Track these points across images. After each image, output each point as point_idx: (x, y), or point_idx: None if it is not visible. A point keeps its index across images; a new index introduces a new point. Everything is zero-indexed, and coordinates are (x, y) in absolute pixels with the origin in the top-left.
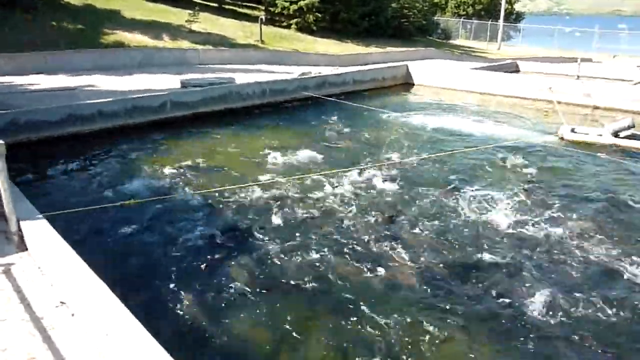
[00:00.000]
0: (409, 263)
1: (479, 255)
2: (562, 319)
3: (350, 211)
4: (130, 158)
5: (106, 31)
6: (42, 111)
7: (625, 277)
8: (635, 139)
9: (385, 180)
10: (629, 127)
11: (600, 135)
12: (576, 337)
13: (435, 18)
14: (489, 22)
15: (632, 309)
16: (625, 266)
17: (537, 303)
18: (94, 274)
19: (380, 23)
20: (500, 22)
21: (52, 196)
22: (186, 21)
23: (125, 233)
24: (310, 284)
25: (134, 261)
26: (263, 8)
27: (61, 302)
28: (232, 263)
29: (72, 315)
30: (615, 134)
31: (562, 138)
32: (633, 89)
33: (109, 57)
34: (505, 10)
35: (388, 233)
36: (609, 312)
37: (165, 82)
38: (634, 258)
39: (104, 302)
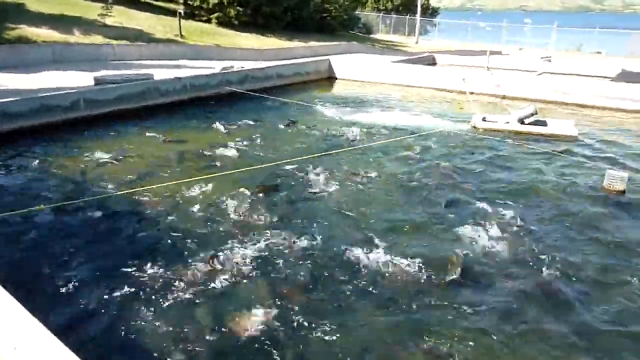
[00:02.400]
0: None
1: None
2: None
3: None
4: (38, 161)
5: (9, 25)
6: None
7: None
8: (537, 125)
9: (308, 173)
10: (532, 114)
11: (508, 122)
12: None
13: (356, 13)
14: (407, 17)
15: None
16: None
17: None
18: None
19: (303, 17)
20: (418, 17)
21: None
22: (99, 15)
23: (36, 240)
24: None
25: (44, 269)
26: (182, 1)
27: None
28: (143, 266)
29: None
30: (521, 121)
31: (474, 126)
32: (537, 79)
33: (14, 53)
34: (422, 5)
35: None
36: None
37: (78, 80)
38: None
39: (10, 314)
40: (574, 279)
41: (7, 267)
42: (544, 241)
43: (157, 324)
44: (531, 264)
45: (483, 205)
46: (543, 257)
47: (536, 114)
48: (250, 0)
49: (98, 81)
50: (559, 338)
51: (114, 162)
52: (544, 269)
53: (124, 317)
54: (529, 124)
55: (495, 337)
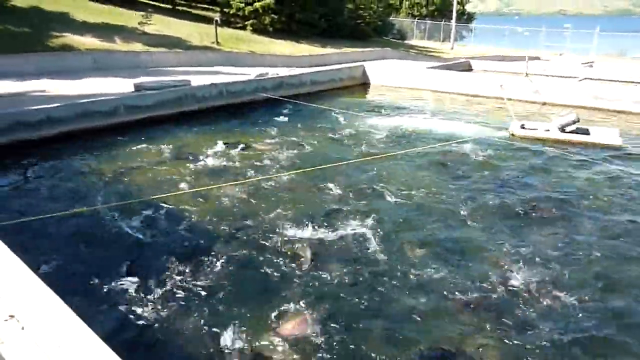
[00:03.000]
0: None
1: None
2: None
3: (306, 211)
4: (80, 164)
5: (54, 34)
6: None
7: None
8: (579, 133)
9: (340, 180)
10: (574, 122)
11: (548, 130)
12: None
13: (391, 19)
14: (442, 23)
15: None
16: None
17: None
18: (44, 284)
19: (337, 24)
20: (453, 22)
21: None
22: (139, 23)
23: (77, 241)
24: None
25: (86, 270)
26: (218, 9)
27: (10, 316)
28: (191, 270)
29: (22, 328)
30: (562, 129)
31: (512, 134)
32: (578, 85)
33: (59, 60)
34: (458, 11)
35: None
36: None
37: (118, 86)
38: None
39: (55, 313)
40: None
41: (51, 267)
42: (594, 257)
43: (204, 326)
44: (584, 280)
45: (525, 217)
46: (595, 271)
47: (578, 121)
48: (284, 7)
49: (138, 87)
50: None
51: (153, 166)
52: (597, 283)
53: (168, 320)
54: (570, 132)
55: None
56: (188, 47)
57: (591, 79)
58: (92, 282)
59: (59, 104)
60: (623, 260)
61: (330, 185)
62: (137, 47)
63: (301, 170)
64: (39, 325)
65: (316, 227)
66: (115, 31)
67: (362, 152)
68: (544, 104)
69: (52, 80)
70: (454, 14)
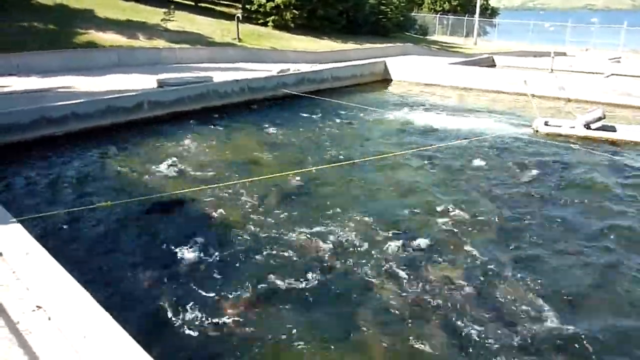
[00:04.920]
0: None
1: (466, 247)
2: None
3: (335, 205)
4: (105, 159)
5: (79, 31)
6: (12, 113)
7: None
8: (605, 130)
9: (368, 175)
10: (599, 119)
11: (573, 127)
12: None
13: (413, 14)
14: (465, 18)
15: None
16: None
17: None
18: (70, 276)
19: (358, 20)
20: (476, 17)
21: (25, 200)
22: (162, 20)
23: (102, 235)
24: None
25: (111, 263)
26: (240, 6)
27: (37, 306)
28: (213, 264)
29: (49, 319)
30: (587, 126)
31: (536, 131)
32: (605, 81)
33: (83, 57)
34: (481, 5)
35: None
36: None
37: (142, 82)
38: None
39: (81, 304)
40: None
41: (78, 259)
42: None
43: (229, 323)
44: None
45: (553, 217)
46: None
47: (604, 118)
48: (305, 3)
49: (161, 84)
50: None
51: (177, 161)
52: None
53: (193, 312)
54: (596, 129)
55: None
56: (210, 43)
57: (618, 74)
58: (117, 275)
59: (83, 100)
60: None
61: (354, 180)
62: (160, 43)
63: (330, 165)
64: (65, 316)
65: (344, 222)
66: (138, 28)
67: (382, 148)
68: (569, 100)
69: (76, 76)
70: (477, 9)
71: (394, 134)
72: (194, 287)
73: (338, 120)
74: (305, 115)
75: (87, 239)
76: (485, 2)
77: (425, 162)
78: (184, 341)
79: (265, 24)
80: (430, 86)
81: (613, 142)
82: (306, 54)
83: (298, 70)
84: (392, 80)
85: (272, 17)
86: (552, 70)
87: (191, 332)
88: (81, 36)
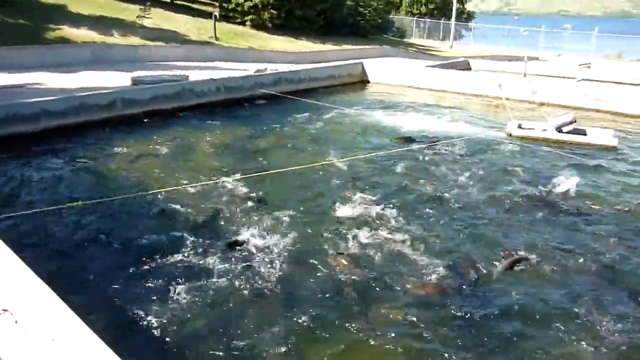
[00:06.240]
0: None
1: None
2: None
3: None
4: (76, 158)
5: (51, 26)
6: None
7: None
8: (576, 133)
9: (336, 178)
10: (571, 122)
11: (545, 130)
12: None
13: (390, 16)
14: (442, 21)
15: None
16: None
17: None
18: (38, 278)
19: (336, 21)
20: (452, 21)
21: None
22: (137, 17)
23: (71, 236)
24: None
25: (80, 264)
26: (217, 4)
27: (3, 310)
28: (183, 263)
29: (16, 322)
30: (559, 129)
31: (510, 134)
32: (576, 86)
33: (57, 53)
34: (457, 9)
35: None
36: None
37: (116, 80)
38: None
39: (49, 307)
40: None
41: (46, 261)
42: (592, 256)
43: (207, 324)
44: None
45: (518, 217)
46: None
47: (575, 122)
48: (283, 3)
49: (135, 81)
50: None
51: (150, 159)
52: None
53: (162, 313)
54: (567, 132)
55: None
56: (186, 41)
57: (589, 80)
58: (86, 277)
59: (55, 97)
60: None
61: (316, 183)
62: (135, 40)
63: (300, 167)
64: (32, 319)
65: (308, 222)
66: (113, 24)
67: (356, 150)
68: (542, 104)
69: (50, 73)
70: (454, 13)
71: (366, 135)
72: (164, 287)
73: (313, 121)
74: (279, 115)
75: (56, 240)
76: (461, 6)
77: (398, 163)
78: (155, 342)
79: (242, 23)
80: (407, 88)
81: (583, 145)
82: (284, 54)
83: (275, 70)
84: (369, 81)
85: (250, 16)
86: (525, 74)
87: (162, 333)
88: (53, 32)
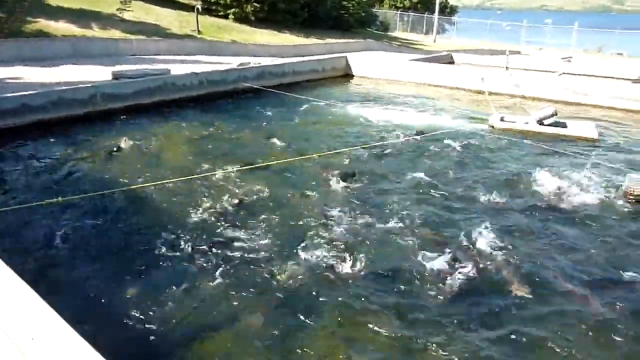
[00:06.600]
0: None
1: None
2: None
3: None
4: (55, 153)
5: (28, 19)
6: None
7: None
8: (557, 126)
9: (320, 171)
10: (552, 115)
11: (527, 123)
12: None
13: (374, 10)
14: (425, 15)
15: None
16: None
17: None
18: (17, 276)
19: (319, 14)
20: (436, 15)
21: None
22: (117, 10)
23: (51, 232)
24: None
25: (61, 261)
26: None
27: None
28: (164, 262)
29: None
30: (540, 122)
31: (492, 126)
32: (557, 79)
33: (35, 47)
34: (440, 3)
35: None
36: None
37: (96, 74)
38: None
39: (28, 305)
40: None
41: (24, 258)
42: (562, 245)
43: (185, 322)
44: (551, 267)
45: (496, 207)
46: (561, 260)
47: (556, 115)
48: None
49: (116, 76)
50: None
51: (131, 155)
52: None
53: (144, 310)
54: (548, 125)
55: None
56: (168, 35)
57: (569, 73)
58: (67, 274)
59: (34, 92)
60: (590, 246)
61: (299, 177)
62: (116, 34)
63: (285, 160)
64: (11, 318)
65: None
66: (92, 17)
67: (339, 144)
68: (524, 97)
69: (28, 67)
70: (437, 7)
71: (350, 129)
72: (146, 284)
73: (296, 115)
74: (262, 109)
75: (35, 237)
76: (444, 0)
77: (380, 156)
78: (137, 339)
79: (225, 17)
80: (391, 82)
81: (564, 137)
82: (267, 48)
83: (259, 64)
84: (353, 75)
85: (233, 9)
86: (507, 68)
87: (143, 330)
88: (30, 25)
